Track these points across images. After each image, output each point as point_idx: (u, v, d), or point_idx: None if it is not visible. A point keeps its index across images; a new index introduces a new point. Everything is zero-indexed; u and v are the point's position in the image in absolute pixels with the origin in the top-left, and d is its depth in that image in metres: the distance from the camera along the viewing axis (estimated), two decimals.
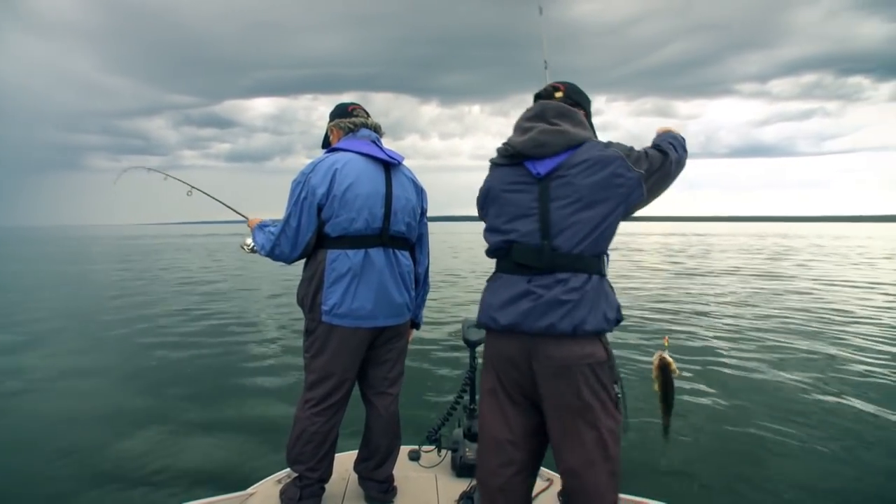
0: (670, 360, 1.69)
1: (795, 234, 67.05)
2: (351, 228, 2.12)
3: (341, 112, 2.35)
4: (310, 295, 2.18)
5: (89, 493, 3.30)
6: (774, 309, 9.82)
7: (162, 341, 7.42)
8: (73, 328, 8.57)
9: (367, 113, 2.36)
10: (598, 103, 1.84)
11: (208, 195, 2.95)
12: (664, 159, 1.68)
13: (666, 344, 1.72)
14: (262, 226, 2.34)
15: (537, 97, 1.79)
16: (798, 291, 12.32)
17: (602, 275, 1.59)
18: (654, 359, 1.71)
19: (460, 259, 23.35)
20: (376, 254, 2.16)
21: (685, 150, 1.80)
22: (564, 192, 1.58)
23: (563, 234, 1.57)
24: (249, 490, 2.41)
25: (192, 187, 2.95)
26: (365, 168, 2.17)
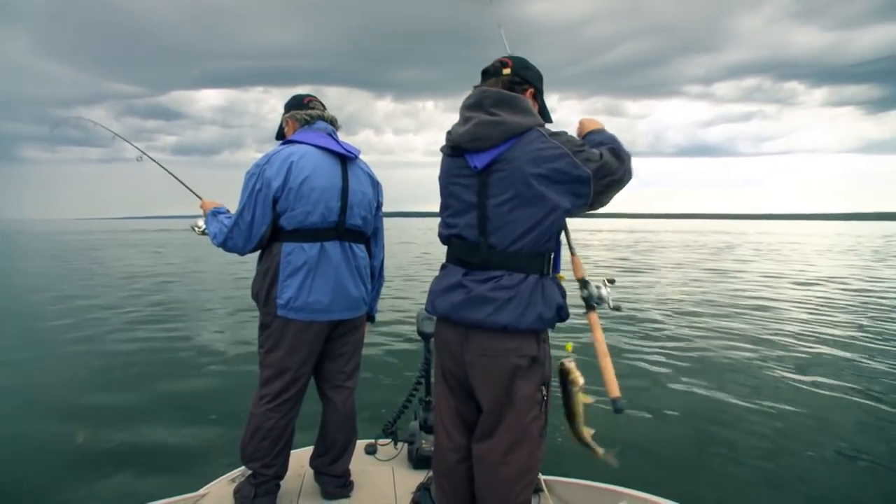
0: (571, 367, 1.57)
1: (737, 230, 70.33)
2: (307, 221, 2.10)
3: (297, 103, 2.30)
4: (264, 289, 2.14)
5: (33, 496, 3.18)
6: (712, 303, 10.28)
7: (109, 339, 7.15)
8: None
9: (323, 105, 2.33)
10: (550, 101, 1.81)
11: (159, 164, 2.81)
12: (619, 165, 1.59)
13: (569, 349, 1.59)
14: (216, 212, 2.28)
15: (485, 74, 1.70)
16: (735, 284, 12.93)
17: (542, 274, 1.56)
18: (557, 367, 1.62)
19: (414, 254, 23.38)
20: (332, 247, 2.15)
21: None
22: (501, 187, 1.53)
23: (499, 231, 1.54)
24: (202, 490, 2.36)
25: (143, 153, 2.86)
26: (321, 161, 2.14)
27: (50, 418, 4.38)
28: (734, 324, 8.17)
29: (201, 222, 2.37)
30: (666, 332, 7.48)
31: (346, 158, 2.23)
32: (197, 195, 2.52)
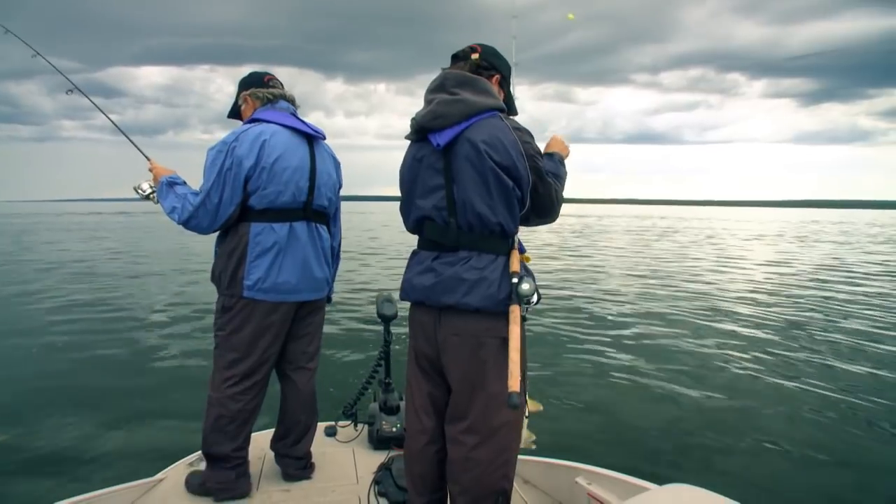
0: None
1: (682, 216, 73.06)
2: (278, 201, 2.07)
3: (256, 81, 2.23)
4: (229, 270, 2.09)
5: None
6: (651, 284, 10.71)
7: (52, 326, 6.83)
8: None
9: (282, 84, 2.28)
10: None
11: (88, 97, 2.59)
12: (557, 195, 1.66)
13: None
14: (171, 182, 2.16)
15: (454, 58, 1.71)
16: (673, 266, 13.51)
17: (510, 251, 1.58)
18: None
19: (370, 237, 23.25)
20: (300, 227, 2.13)
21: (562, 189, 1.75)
22: (462, 167, 1.55)
23: (464, 212, 1.56)
24: (159, 475, 2.32)
25: (74, 86, 2.61)
26: (290, 140, 2.12)
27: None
28: (673, 307, 8.54)
29: (146, 186, 2.26)
30: (605, 317, 7.74)
31: (312, 139, 2.21)
32: (146, 156, 2.38)
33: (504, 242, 1.58)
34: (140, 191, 2.27)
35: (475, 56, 1.66)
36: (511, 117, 1.62)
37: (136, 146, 2.47)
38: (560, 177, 1.72)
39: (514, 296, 1.47)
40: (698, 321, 7.41)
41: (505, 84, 1.74)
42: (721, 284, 10.90)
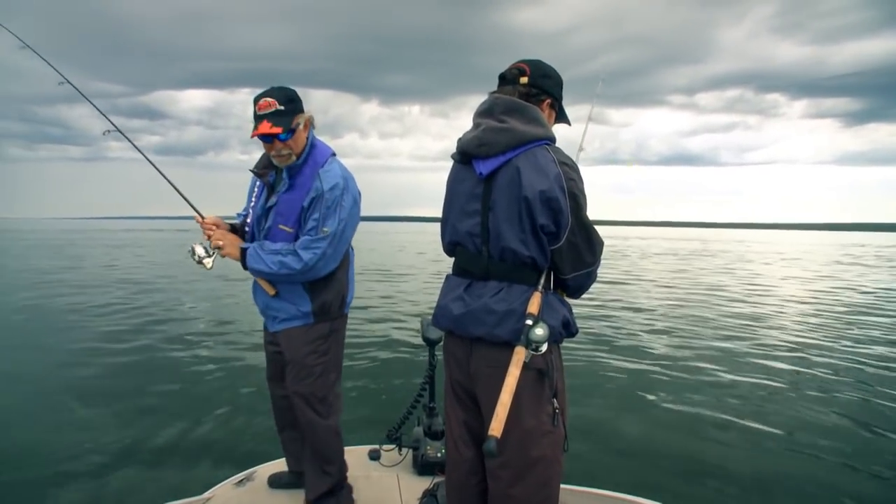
0: None
1: (719, 238, 71.42)
2: None
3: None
4: (340, 294, 2.22)
5: (37, 497, 3.13)
6: (697, 309, 10.43)
7: (108, 345, 6.99)
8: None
9: None
10: None
11: (127, 137, 2.41)
12: (595, 249, 1.57)
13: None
14: (259, 247, 2.07)
15: (501, 79, 1.64)
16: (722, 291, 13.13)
17: (544, 288, 1.52)
18: None
19: (412, 257, 23.36)
20: None
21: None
22: (500, 196, 1.50)
23: (497, 241, 1.52)
24: (206, 494, 2.34)
25: (113, 125, 2.39)
26: None
27: (53, 421, 4.31)
28: (709, 333, 8.28)
29: (201, 250, 2.14)
30: (638, 345, 7.51)
31: None
32: (197, 211, 2.26)
33: (537, 275, 1.52)
34: (196, 256, 2.14)
35: (524, 80, 1.59)
36: (560, 150, 1.54)
37: (188, 202, 2.29)
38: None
39: (524, 337, 1.39)
40: (737, 349, 7.14)
41: (557, 103, 1.67)
42: (760, 309, 10.52)
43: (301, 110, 2.06)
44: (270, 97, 1.98)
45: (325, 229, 2.01)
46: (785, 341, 7.66)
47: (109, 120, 2.39)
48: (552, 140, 1.55)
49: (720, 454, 3.87)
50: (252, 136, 2.00)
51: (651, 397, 5.11)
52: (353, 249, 2.28)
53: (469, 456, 1.66)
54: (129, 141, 2.40)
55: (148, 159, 2.36)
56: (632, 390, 5.33)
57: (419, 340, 2.80)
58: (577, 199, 1.47)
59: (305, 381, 2.16)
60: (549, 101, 1.63)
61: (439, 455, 2.56)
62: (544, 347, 1.39)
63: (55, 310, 9.42)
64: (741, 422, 4.48)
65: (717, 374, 5.93)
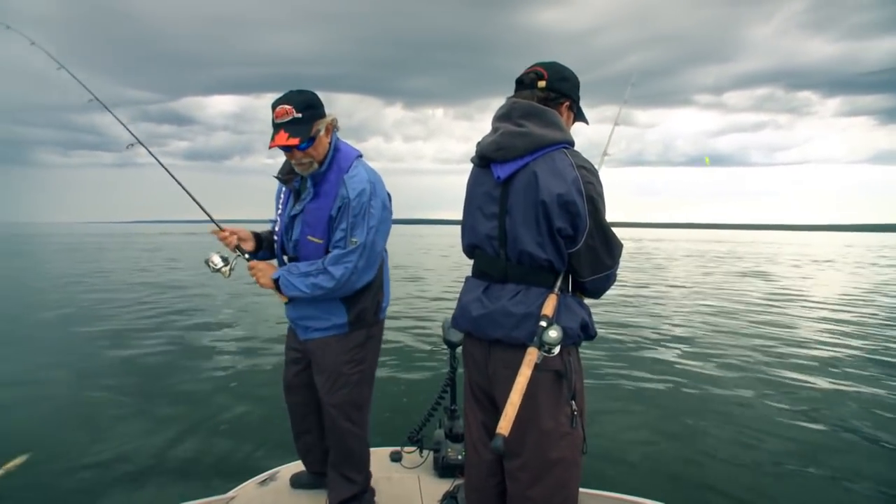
0: None
1: (747, 240, 69.85)
2: None
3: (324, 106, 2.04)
4: (375, 300, 2.16)
5: (66, 495, 3.21)
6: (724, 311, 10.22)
7: (136, 343, 7.19)
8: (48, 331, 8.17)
9: None
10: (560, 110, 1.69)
11: (152, 154, 2.33)
12: (611, 252, 1.55)
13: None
14: (288, 272, 2.02)
15: (519, 83, 1.65)
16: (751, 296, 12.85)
17: (563, 290, 1.53)
18: None
19: (434, 259, 23.41)
20: None
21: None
22: (517, 200, 1.52)
23: (514, 244, 1.53)
24: (231, 493, 2.38)
25: (141, 144, 2.34)
26: None
27: (79, 424, 4.43)
28: (737, 338, 8.10)
29: (217, 259, 2.11)
30: (662, 349, 7.43)
31: None
32: (215, 222, 2.22)
33: (554, 278, 1.53)
34: (212, 265, 2.11)
35: (542, 84, 1.60)
36: (578, 153, 1.54)
37: (205, 211, 2.22)
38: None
39: (537, 338, 1.40)
40: (763, 356, 6.97)
41: (574, 105, 1.67)
42: (787, 315, 10.25)
43: (321, 115, 1.96)
44: (288, 103, 1.89)
45: (355, 240, 1.93)
46: (815, 348, 7.44)
47: (132, 132, 2.34)
48: (571, 143, 1.55)
49: (743, 465, 3.78)
50: (270, 147, 1.92)
51: (675, 404, 5.03)
52: (386, 252, 2.20)
53: (488, 457, 1.67)
54: (153, 155, 2.32)
55: (168, 171, 2.29)
56: (655, 396, 5.26)
57: (441, 342, 2.80)
58: (595, 203, 1.47)
59: (341, 392, 2.11)
60: (567, 103, 1.63)
61: (460, 457, 2.56)
62: (557, 350, 1.40)
63: (88, 310, 9.69)
64: (770, 431, 4.38)
65: (741, 381, 5.80)
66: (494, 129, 1.60)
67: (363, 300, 2.09)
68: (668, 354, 6.83)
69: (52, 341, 7.45)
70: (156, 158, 2.31)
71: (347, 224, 1.93)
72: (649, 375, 5.87)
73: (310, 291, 1.96)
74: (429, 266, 20.88)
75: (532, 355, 1.39)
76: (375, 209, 1.97)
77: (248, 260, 2.16)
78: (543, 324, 1.41)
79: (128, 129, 2.34)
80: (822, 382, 5.72)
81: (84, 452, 3.77)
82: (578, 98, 1.68)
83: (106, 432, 4.14)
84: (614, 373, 5.93)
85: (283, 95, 1.92)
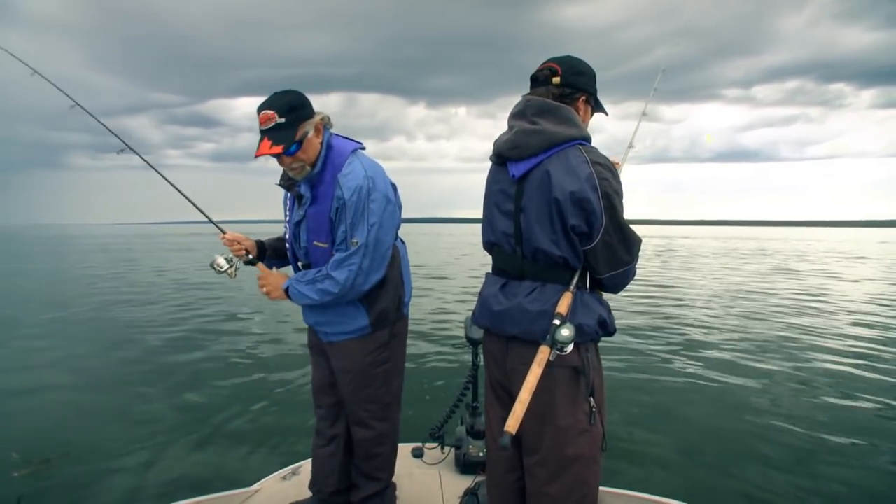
0: None
1: (777, 236, 68.29)
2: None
3: (309, 103, 1.92)
4: (396, 297, 2.06)
5: (92, 489, 3.29)
6: (756, 310, 10.00)
7: (161, 341, 7.35)
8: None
9: None
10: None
11: (142, 157, 2.29)
12: (629, 247, 1.53)
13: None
14: (296, 280, 1.97)
15: (533, 81, 1.63)
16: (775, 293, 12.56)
17: (580, 287, 1.53)
18: None
19: (457, 257, 23.42)
20: None
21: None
22: (532, 198, 1.52)
23: (530, 242, 1.53)
24: (254, 486, 2.41)
25: (126, 145, 2.31)
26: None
27: (106, 413, 4.59)
28: (767, 340, 7.92)
29: (223, 261, 2.08)
30: (687, 348, 7.31)
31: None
32: (219, 227, 2.20)
33: (570, 274, 1.52)
34: (217, 267, 2.08)
35: (556, 80, 1.58)
36: (594, 149, 1.52)
37: (208, 217, 2.23)
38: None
39: (549, 336, 1.39)
40: (796, 356, 6.80)
41: (591, 98, 1.64)
42: (820, 311, 9.99)
43: (307, 116, 1.85)
44: (270, 108, 1.79)
45: (355, 240, 1.83)
46: (847, 349, 7.24)
47: (121, 138, 2.29)
48: (587, 139, 1.53)
49: (772, 468, 3.69)
50: (255, 157, 1.82)
51: (701, 404, 4.94)
52: (403, 243, 2.14)
53: (507, 453, 1.66)
54: (143, 159, 2.30)
55: (161, 175, 2.28)
56: (679, 394, 5.17)
57: (463, 340, 2.80)
58: (610, 199, 1.44)
59: (367, 391, 2.06)
60: (584, 97, 1.61)
61: (481, 454, 2.55)
62: (569, 348, 1.38)
63: (119, 309, 9.93)
64: (798, 434, 4.26)
65: (766, 382, 5.65)
66: (510, 128, 1.60)
67: (383, 299, 2.00)
68: (694, 354, 6.72)
69: (85, 339, 7.66)
70: (146, 161, 2.29)
71: (346, 225, 1.84)
72: (672, 375, 5.78)
73: (319, 298, 1.90)
74: (451, 264, 20.96)
75: (543, 354, 1.39)
76: (376, 205, 1.85)
77: (253, 264, 2.12)
78: (557, 322, 1.40)
79: (115, 135, 2.30)
80: (857, 384, 5.56)
81: (112, 448, 3.86)
82: (595, 90, 1.65)
83: (134, 427, 4.25)
84: (635, 370, 5.87)
85: (267, 98, 1.82)
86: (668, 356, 6.52)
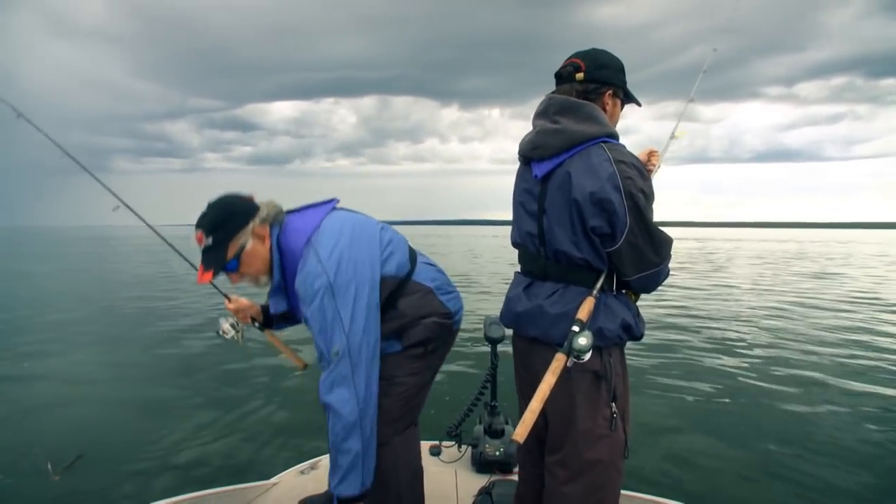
0: None
1: (820, 239, 65.82)
2: (402, 259, 1.76)
3: (245, 209, 1.63)
4: (429, 320, 1.74)
5: (115, 480, 3.39)
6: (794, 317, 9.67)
7: (183, 335, 7.58)
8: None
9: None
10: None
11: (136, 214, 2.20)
12: (660, 249, 1.46)
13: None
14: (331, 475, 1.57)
15: (557, 78, 1.60)
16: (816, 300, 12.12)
17: (604, 289, 1.48)
18: None
19: (481, 260, 23.42)
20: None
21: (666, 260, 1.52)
22: (554, 198, 1.48)
23: (552, 243, 1.50)
24: (273, 480, 2.46)
25: (121, 201, 2.19)
26: (353, 216, 1.75)
27: (133, 409, 4.75)
28: (809, 348, 7.62)
29: (227, 326, 1.97)
30: (721, 356, 7.10)
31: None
32: (224, 294, 2.04)
33: (594, 277, 1.48)
34: (223, 333, 1.96)
35: (580, 76, 1.53)
36: (620, 147, 1.46)
37: (218, 289, 2.03)
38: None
39: (567, 343, 1.36)
40: (829, 366, 6.53)
41: (618, 92, 1.59)
42: (863, 318, 9.59)
43: (239, 227, 1.59)
44: (198, 227, 1.59)
45: (335, 350, 1.52)
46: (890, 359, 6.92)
47: (103, 183, 2.21)
48: (612, 136, 1.48)
49: (803, 485, 3.55)
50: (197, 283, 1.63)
51: (733, 413, 4.81)
52: (419, 254, 1.87)
53: (535, 450, 1.69)
54: (107, 188, 2.20)
55: (146, 223, 2.23)
56: (708, 402, 5.05)
57: (483, 339, 2.80)
58: (634, 199, 1.38)
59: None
60: (610, 91, 1.56)
61: (497, 454, 2.54)
62: (587, 356, 1.35)
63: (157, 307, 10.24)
64: (834, 450, 4.06)
65: (803, 393, 5.43)
66: (533, 127, 1.58)
67: (413, 332, 1.72)
68: (727, 361, 6.55)
69: (125, 337, 7.95)
70: (122, 202, 2.20)
71: (319, 339, 1.54)
72: (704, 381, 5.64)
73: (350, 453, 1.53)
74: (478, 264, 21.04)
75: (559, 362, 1.37)
76: (343, 293, 1.53)
77: (261, 330, 2.00)
78: (576, 329, 1.37)
79: (97, 179, 2.21)
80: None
81: (139, 446, 3.96)
82: (623, 81, 1.59)
83: (160, 424, 4.36)
84: (664, 377, 5.74)
85: (200, 215, 1.61)
86: (701, 363, 6.39)
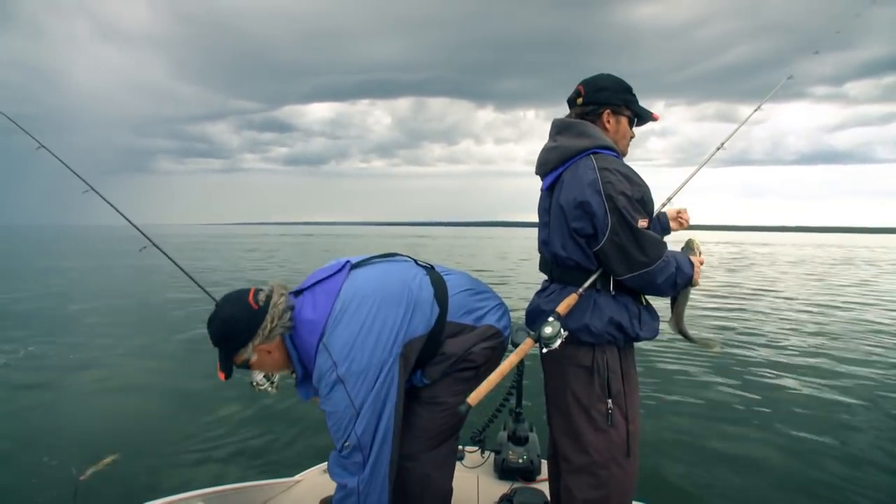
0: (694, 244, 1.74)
1: (873, 245, 63.02)
2: (433, 318, 1.68)
3: (251, 319, 1.54)
4: (464, 345, 1.71)
5: (143, 472, 3.51)
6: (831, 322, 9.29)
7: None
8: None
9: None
10: (656, 108, 1.85)
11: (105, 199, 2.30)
12: (647, 249, 1.53)
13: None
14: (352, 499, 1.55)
15: (568, 103, 1.81)
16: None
17: (597, 289, 1.61)
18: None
19: (508, 262, 23.34)
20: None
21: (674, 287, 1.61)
22: (553, 208, 1.69)
23: (552, 247, 1.70)
24: (297, 477, 2.50)
25: (149, 240, 2.30)
26: (375, 271, 1.73)
27: (160, 404, 4.92)
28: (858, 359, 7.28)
29: (261, 377, 1.90)
30: (761, 367, 6.84)
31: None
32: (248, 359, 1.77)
33: (583, 277, 1.61)
34: (257, 385, 1.92)
35: (580, 101, 1.73)
36: (609, 156, 1.61)
37: (230, 364, 1.69)
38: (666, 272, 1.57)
39: (536, 331, 1.52)
40: (873, 376, 6.24)
41: (621, 109, 1.71)
42: None
43: (240, 345, 1.56)
44: (210, 338, 1.59)
45: (347, 444, 1.51)
46: None
47: (91, 186, 2.39)
48: (606, 148, 1.62)
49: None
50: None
51: (766, 426, 4.66)
52: (448, 271, 1.87)
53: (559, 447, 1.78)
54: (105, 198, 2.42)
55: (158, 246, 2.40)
56: (738, 413, 4.90)
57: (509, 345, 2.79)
58: (615, 200, 1.50)
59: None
60: (608, 110, 1.70)
61: (520, 461, 2.53)
62: (556, 345, 1.49)
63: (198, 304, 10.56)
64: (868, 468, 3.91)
65: (844, 404, 5.22)
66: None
67: (467, 362, 1.71)
68: (762, 371, 6.35)
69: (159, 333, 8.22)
70: (112, 206, 2.42)
71: (333, 431, 1.54)
72: (739, 392, 5.48)
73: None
74: (509, 267, 21.13)
75: (527, 345, 1.54)
76: (358, 384, 1.50)
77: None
78: (551, 318, 1.52)
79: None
80: None
81: (168, 438, 4.09)
82: (625, 100, 1.72)
83: (189, 418, 4.49)
84: (699, 386, 5.60)
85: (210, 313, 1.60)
86: (739, 373, 6.19)
